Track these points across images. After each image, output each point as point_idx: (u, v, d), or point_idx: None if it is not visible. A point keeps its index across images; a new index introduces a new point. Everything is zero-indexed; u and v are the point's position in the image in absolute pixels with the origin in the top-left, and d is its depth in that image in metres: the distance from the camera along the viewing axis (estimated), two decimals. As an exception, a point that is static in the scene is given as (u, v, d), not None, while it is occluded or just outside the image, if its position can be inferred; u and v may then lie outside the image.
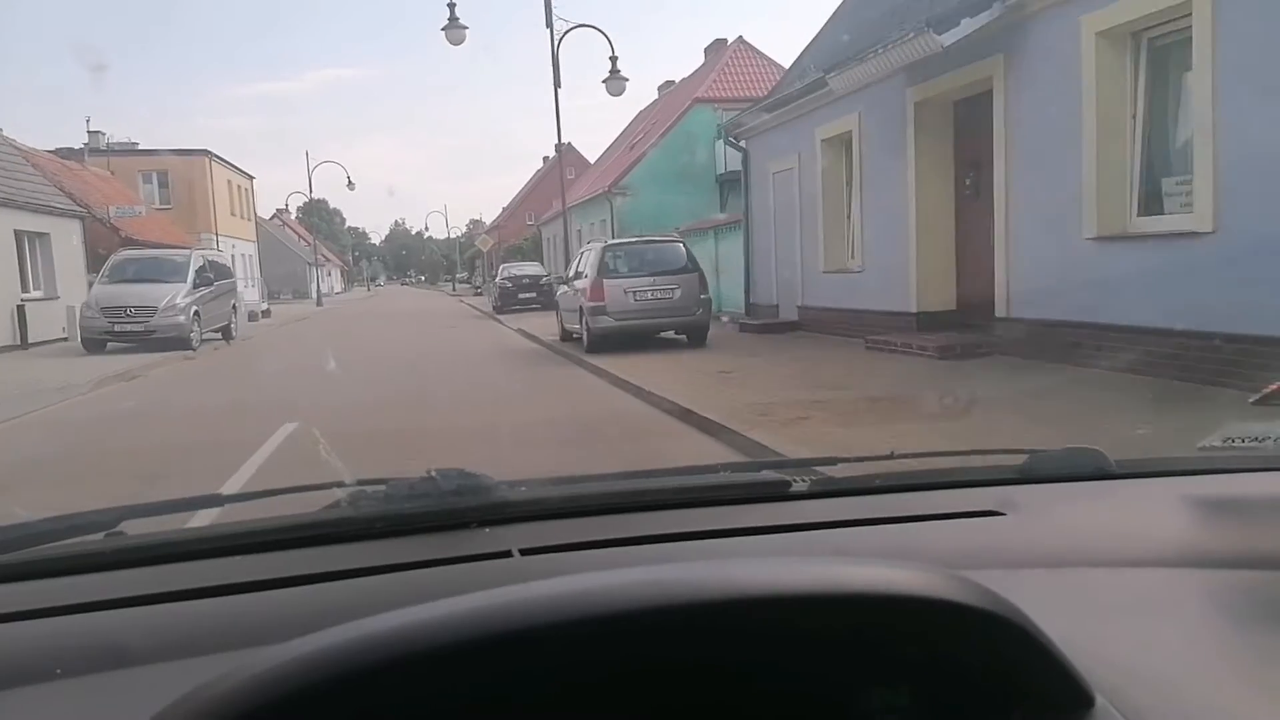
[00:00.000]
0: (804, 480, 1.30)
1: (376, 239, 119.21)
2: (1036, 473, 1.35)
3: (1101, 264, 7.17)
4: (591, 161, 44.60)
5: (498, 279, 27.32)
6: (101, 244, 18.37)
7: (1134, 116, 6.97)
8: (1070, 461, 1.37)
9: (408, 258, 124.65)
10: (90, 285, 15.81)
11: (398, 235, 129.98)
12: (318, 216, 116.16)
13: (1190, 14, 6.07)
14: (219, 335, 17.16)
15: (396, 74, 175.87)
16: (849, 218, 11.76)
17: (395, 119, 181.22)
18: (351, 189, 44.71)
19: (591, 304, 11.62)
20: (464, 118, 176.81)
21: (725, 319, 14.75)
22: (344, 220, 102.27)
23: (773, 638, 0.60)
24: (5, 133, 19.78)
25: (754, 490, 1.37)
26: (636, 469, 1.55)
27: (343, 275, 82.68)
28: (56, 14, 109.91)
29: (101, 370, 11.62)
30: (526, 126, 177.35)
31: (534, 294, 26.47)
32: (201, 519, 1.22)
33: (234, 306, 18.45)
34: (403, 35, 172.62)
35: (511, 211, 65.58)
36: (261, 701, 0.55)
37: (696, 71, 28.36)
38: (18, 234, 16.71)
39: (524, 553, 1.09)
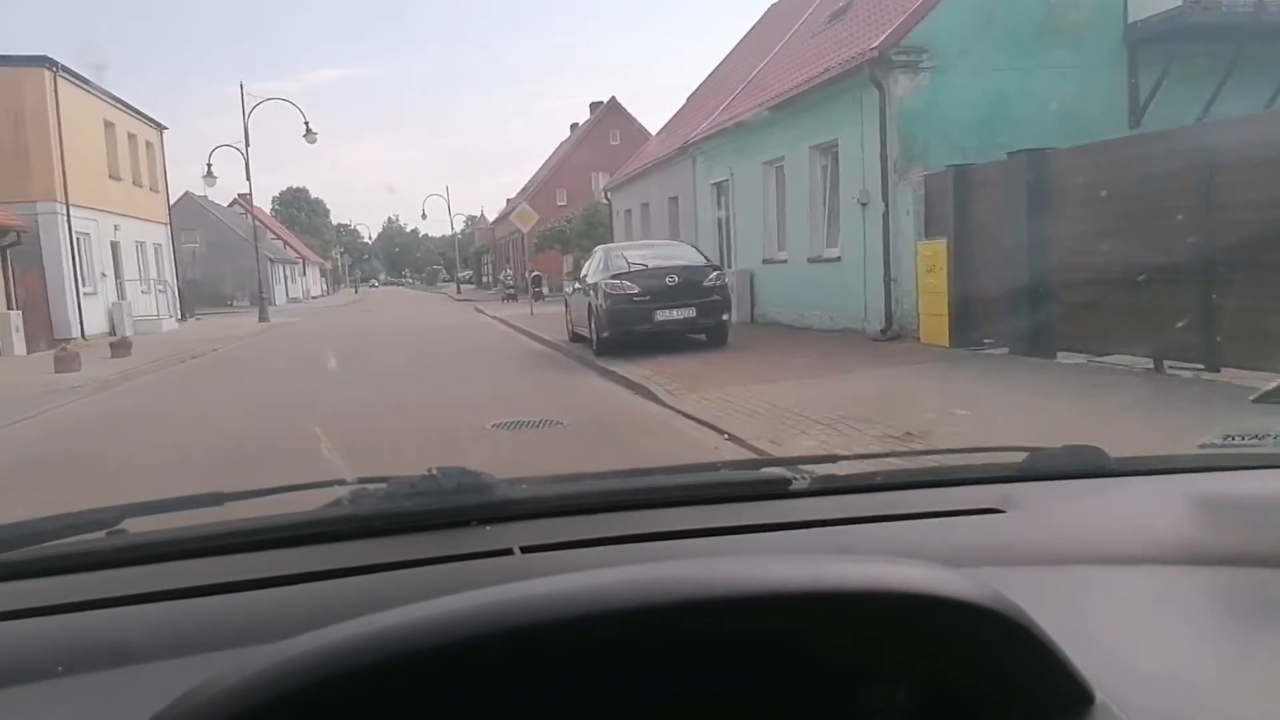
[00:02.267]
0: (804, 478, 1.38)
1: (370, 237, 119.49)
2: (1037, 470, 1.44)
3: None
4: (652, 131, 34.60)
5: (596, 278, 13.59)
6: None
7: None
8: (1070, 459, 1.45)
9: (401, 255, 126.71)
10: None
11: (391, 233, 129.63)
12: (296, 207, 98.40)
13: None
14: None
15: (391, 74, 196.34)
16: None
17: (390, 119, 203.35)
18: (311, 140, 29.02)
19: None
20: (460, 117, 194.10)
21: None
22: (328, 212, 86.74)
23: (773, 635, 0.66)
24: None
25: (755, 488, 1.43)
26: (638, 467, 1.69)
27: (324, 275, 65.89)
28: (52, 12, 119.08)
29: None
30: (525, 128, 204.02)
31: (691, 312, 12.59)
32: (203, 517, 1.32)
33: None
34: (398, 35, 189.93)
35: (536, 190, 55.57)
36: (262, 699, 0.57)
37: None
38: None
39: (525, 550, 1.17)
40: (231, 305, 50.82)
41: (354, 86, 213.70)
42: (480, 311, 30.51)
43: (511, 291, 40.59)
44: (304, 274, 72.34)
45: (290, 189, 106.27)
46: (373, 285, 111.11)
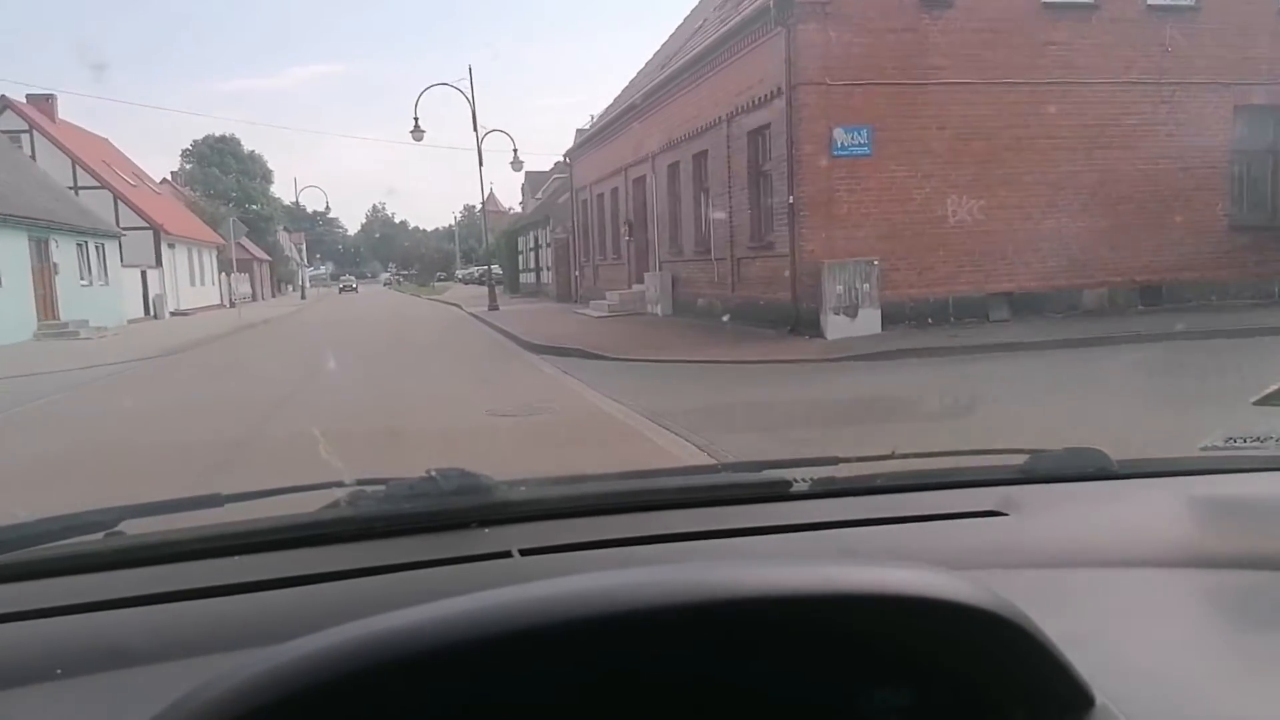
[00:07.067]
0: (805, 480, 1.38)
1: (339, 218, 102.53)
2: (1038, 472, 1.43)
3: None
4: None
5: None
6: None
7: None
8: (1072, 461, 1.45)
9: (383, 243, 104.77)
10: None
11: (376, 223, 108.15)
12: (219, 165, 66.63)
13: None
14: None
15: (382, 70, 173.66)
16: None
17: (381, 116, 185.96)
18: None
19: None
20: (453, 114, 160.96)
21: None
22: (270, 174, 46.62)
23: (774, 638, 0.67)
24: None
25: (756, 490, 1.42)
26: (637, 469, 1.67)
27: (235, 268, 25.67)
28: (38, 8, 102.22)
29: None
30: (524, 124, 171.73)
31: None
32: (201, 518, 1.32)
33: None
34: (386, 30, 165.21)
35: None
36: (261, 702, 0.57)
37: None
38: None
39: (524, 553, 1.17)
40: None
41: (341, 83, 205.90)
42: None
43: None
44: (159, 263, 34.59)
45: (211, 136, 67.92)
46: (344, 288, 75.88)
